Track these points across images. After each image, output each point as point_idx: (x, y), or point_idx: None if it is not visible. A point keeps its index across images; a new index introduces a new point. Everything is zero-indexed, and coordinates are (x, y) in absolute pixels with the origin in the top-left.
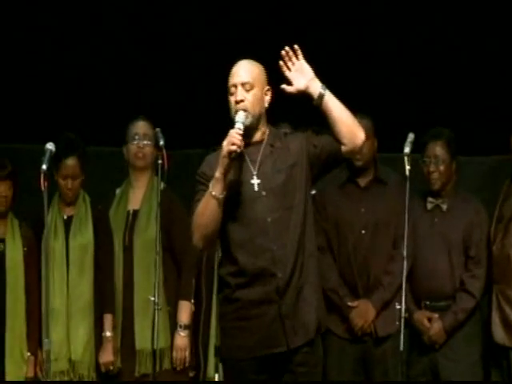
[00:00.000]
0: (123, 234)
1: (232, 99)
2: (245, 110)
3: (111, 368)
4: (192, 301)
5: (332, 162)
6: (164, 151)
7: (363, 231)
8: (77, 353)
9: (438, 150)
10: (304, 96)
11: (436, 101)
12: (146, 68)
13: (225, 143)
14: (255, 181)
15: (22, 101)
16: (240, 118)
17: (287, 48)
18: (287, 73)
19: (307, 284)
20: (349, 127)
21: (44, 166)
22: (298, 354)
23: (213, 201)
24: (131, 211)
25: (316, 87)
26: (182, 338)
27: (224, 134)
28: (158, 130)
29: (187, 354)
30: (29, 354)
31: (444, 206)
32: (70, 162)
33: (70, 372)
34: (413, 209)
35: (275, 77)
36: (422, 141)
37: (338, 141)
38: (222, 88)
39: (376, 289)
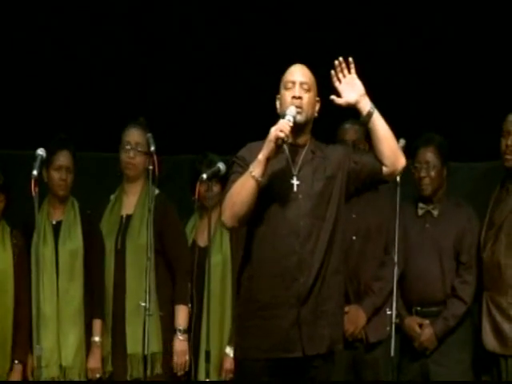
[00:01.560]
0: (115, 238)
1: (288, 94)
2: (298, 107)
3: (98, 375)
4: (189, 304)
5: (370, 181)
6: (155, 157)
7: (354, 237)
8: (67, 359)
9: (429, 155)
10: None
11: (427, 107)
12: (139, 74)
13: (273, 129)
14: (295, 182)
15: (12, 106)
16: (291, 112)
17: (341, 59)
18: (337, 84)
19: (330, 298)
20: (392, 149)
21: (35, 172)
22: (311, 366)
23: (251, 181)
24: (124, 216)
25: (366, 104)
26: (181, 342)
27: (216, 140)
28: (149, 135)
29: (187, 358)
30: (16, 361)
31: (435, 212)
32: (64, 153)
33: (61, 378)
34: (404, 214)
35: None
36: (413, 146)
37: (380, 161)
38: (212, 94)
39: (367, 294)
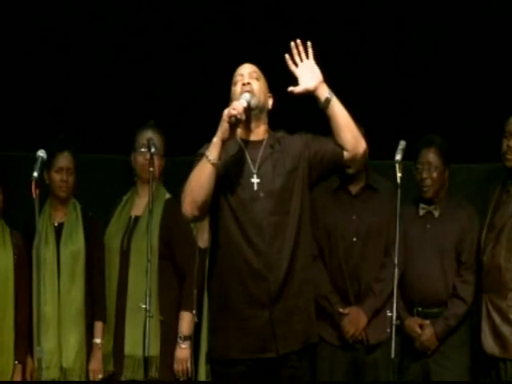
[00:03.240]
0: (122, 239)
1: (238, 85)
2: (249, 92)
3: (100, 376)
4: (194, 312)
5: (332, 167)
6: (155, 159)
7: (354, 239)
8: (68, 361)
9: (431, 156)
10: (308, 96)
11: (427, 108)
12: (140, 76)
13: (226, 110)
14: (255, 180)
15: (12, 107)
16: (244, 97)
17: (298, 41)
18: (293, 68)
19: (301, 294)
20: (352, 134)
21: (35, 174)
22: (287, 364)
23: (208, 165)
24: (133, 217)
25: (323, 91)
26: (182, 349)
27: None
28: (150, 137)
29: (189, 365)
30: (16, 362)
31: (436, 213)
32: (65, 154)
33: (62, 380)
34: (404, 215)
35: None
36: (415, 148)
37: (340, 146)
38: (213, 95)
39: (367, 296)
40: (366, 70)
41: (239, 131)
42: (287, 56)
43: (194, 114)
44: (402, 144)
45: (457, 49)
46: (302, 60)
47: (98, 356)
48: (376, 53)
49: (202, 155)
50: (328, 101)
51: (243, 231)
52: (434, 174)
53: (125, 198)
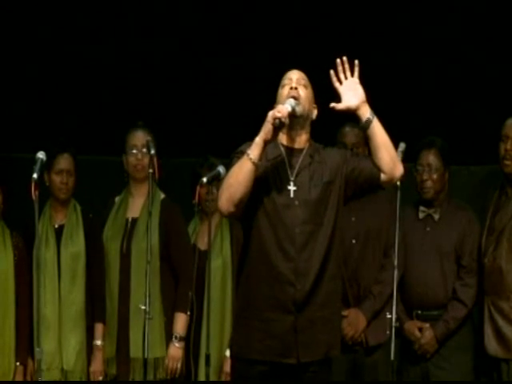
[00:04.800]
0: (121, 242)
1: (285, 89)
2: (296, 99)
3: (100, 378)
4: (188, 313)
5: (367, 187)
6: (155, 160)
7: (354, 241)
8: (69, 362)
9: (431, 158)
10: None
11: (427, 110)
12: (138, 77)
13: (271, 112)
14: (292, 187)
15: (12, 109)
16: (290, 103)
17: (344, 58)
18: (337, 85)
19: (327, 304)
20: (391, 157)
21: (35, 175)
22: (306, 372)
23: (248, 164)
24: (130, 219)
25: (366, 111)
26: (176, 349)
27: (216, 144)
28: (149, 139)
29: (179, 365)
30: (18, 363)
31: (436, 216)
32: (65, 156)
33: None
34: (404, 218)
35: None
36: (416, 149)
37: (378, 168)
38: (214, 98)
39: (366, 298)
40: (365, 71)
41: (281, 137)
42: (332, 72)
43: (195, 116)
44: (402, 146)
45: (457, 51)
46: (346, 77)
47: (98, 358)
48: (375, 54)
49: (243, 153)
50: (369, 121)
51: (275, 236)
52: (435, 176)
53: (118, 199)
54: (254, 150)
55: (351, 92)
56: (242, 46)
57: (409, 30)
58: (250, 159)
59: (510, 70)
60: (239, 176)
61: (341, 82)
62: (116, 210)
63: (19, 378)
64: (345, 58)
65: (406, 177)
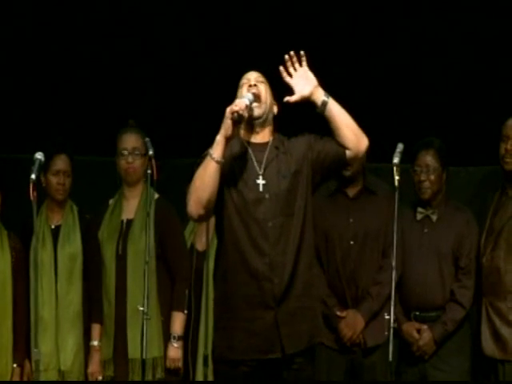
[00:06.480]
0: (116, 243)
1: (244, 88)
2: (255, 95)
3: (99, 378)
4: (185, 312)
5: (335, 167)
6: (153, 161)
7: (352, 242)
8: (66, 363)
9: (429, 159)
10: (306, 103)
11: (425, 111)
12: (135, 77)
13: (228, 107)
14: (261, 181)
15: (10, 110)
16: (247, 96)
17: (292, 53)
18: (287, 79)
19: (306, 294)
20: (353, 132)
21: (33, 176)
22: (291, 365)
23: (212, 163)
24: (125, 220)
25: (319, 95)
26: (174, 349)
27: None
28: (147, 139)
29: (180, 364)
30: (15, 365)
31: (434, 217)
32: (62, 157)
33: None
34: (402, 219)
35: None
36: (413, 150)
37: (342, 146)
38: (211, 98)
39: (364, 299)
40: (363, 72)
41: (244, 133)
42: (281, 68)
43: (193, 116)
44: (400, 147)
45: (455, 51)
46: (295, 69)
47: (95, 358)
48: (373, 55)
49: (207, 155)
50: (325, 103)
51: (248, 233)
52: (432, 177)
53: (111, 201)
54: (216, 149)
55: (302, 81)
56: (241, 46)
57: (409, 30)
58: (213, 159)
59: (509, 70)
60: (204, 177)
61: (291, 76)
62: (111, 212)
63: (16, 379)
64: (292, 53)
65: (403, 178)
